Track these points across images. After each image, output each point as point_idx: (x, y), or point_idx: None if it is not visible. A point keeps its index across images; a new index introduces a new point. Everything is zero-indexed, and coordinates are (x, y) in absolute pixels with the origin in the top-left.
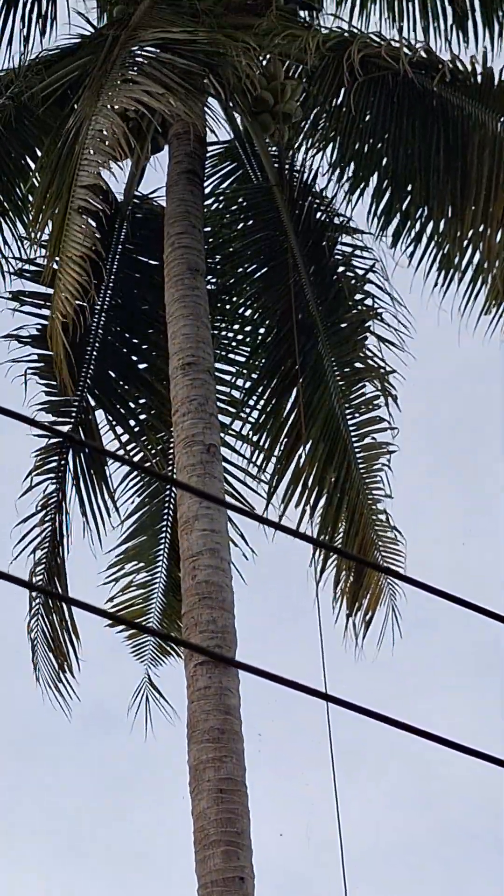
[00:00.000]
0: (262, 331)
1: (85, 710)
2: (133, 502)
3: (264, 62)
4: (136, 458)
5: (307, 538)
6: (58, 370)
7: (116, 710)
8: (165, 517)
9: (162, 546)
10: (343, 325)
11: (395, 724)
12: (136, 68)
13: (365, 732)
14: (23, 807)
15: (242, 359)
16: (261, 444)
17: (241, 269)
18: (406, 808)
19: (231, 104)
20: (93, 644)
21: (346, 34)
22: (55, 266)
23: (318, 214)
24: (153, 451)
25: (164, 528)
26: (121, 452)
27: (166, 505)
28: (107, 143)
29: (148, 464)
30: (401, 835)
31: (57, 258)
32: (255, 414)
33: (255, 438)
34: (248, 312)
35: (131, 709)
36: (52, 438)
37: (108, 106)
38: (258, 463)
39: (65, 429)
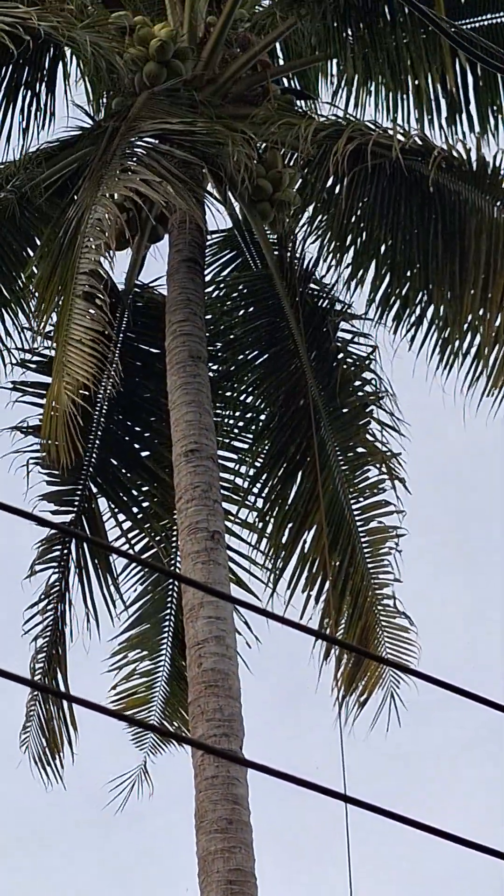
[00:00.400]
0: (263, 417)
1: (90, 798)
2: (136, 590)
3: (262, 150)
4: (138, 546)
5: (308, 630)
6: (48, 450)
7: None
8: (169, 605)
9: (166, 634)
10: (345, 410)
11: (413, 823)
12: (134, 158)
13: (376, 822)
14: None
15: (245, 446)
16: (265, 530)
17: (242, 356)
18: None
19: (229, 193)
20: (101, 729)
21: (341, 121)
22: (56, 352)
23: (319, 301)
24: (157, 539)
25: (167, 617)
26: (122, 540)
27: (170, 593)
28: (106, 231)
29: (153, 551)
30: None
31: (61, 344)
32: (260, 501)
33: (259, 525)
34: (250, 399)
35: (135, 798)
36: (54, 529)
37: (107, 195)
38: (263, 549)
39: (67, 518)
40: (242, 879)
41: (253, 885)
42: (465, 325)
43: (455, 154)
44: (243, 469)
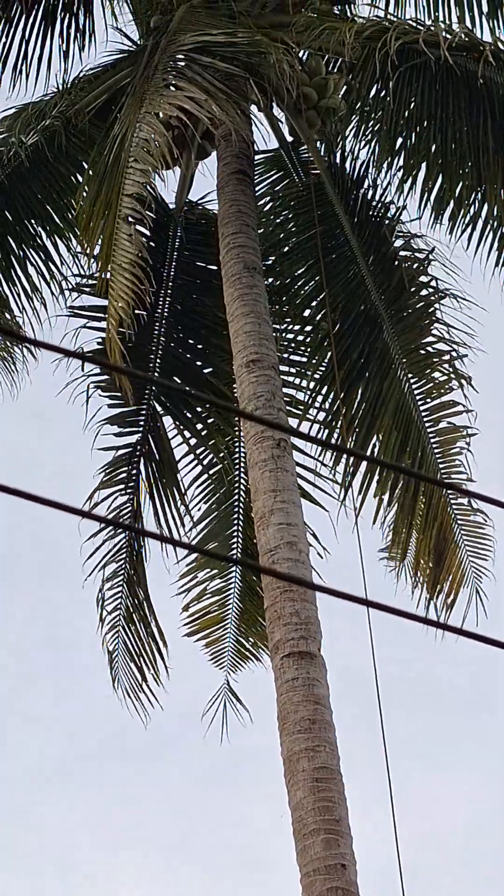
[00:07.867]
0: (323, 326)
1: (170, 717)
2: (199, 510)
3: (304, 58)
4: (204, 462)
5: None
6: (117, 378)
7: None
8: (235, 521)
9: (234, 550)
10: (408, 312)
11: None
12: (177, 73)
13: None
14: (123, 811)
15: (304, 359)
16: (330, 440)
17: (298, 266)
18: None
19: (274, 103)
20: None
21: (383, 23)
22: (107, 276)
23: (373, 205)
24: (221, 454)
25: (234, 533)
26: (190, 457)
27: (236, 507)
28: (151, 151)
29: (218, 466)
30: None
31: (108, 268)
32: (322, 414)
33: (324, 435)
34: (308, 312)
35: (214, 715)
36: (121, 450)
37: (151, 112)
38: (327, 462)
39: (133, 438)
40: (328, 777)
41: (339, 782)
42: None
43: (501, 46)
44: (303, 383)
